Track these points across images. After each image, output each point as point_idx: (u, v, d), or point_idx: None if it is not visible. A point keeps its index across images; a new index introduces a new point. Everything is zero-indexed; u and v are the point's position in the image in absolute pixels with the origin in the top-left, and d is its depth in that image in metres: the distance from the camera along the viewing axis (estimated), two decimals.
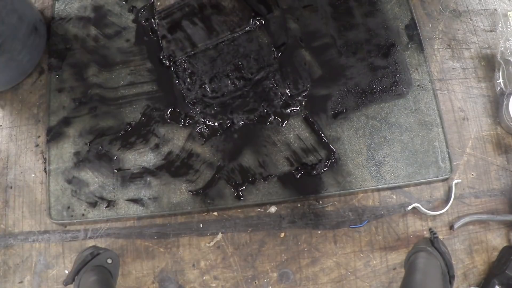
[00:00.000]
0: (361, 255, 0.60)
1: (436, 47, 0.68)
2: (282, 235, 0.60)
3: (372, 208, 0.61)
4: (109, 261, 0.53)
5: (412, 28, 0.67)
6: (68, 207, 0.60)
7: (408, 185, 0.62)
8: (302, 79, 0.65)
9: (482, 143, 0.64)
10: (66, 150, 0.62)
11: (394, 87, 0.64)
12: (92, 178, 0.61)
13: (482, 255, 0.60)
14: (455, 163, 0.63)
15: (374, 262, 0.60)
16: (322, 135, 0.62)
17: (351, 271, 0.59)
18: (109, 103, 0.64)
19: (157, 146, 0.62)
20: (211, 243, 0.60)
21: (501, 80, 0.65)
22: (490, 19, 0.70)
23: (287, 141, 0.62)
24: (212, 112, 0.63)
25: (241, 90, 0.64)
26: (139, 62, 0.66)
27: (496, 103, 0.65)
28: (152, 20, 0.67)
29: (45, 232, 0.61)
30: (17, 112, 0.66)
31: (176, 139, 0.63)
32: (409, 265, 0.52)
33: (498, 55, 0.65)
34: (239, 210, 0.61)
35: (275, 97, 0.64)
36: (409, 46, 0.66)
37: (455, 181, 0.61)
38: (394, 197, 0.62)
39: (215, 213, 0.61)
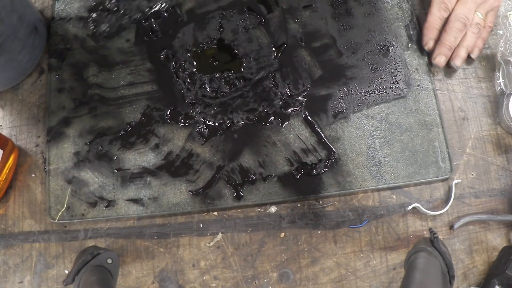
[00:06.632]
0: (361, 255, 0.60)
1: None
2: (282, 235, 0.60)
3: (372, 208, 0.61)
4: (109, 261, 0.53)
5: (412, 28, 0.67)
6: (68, 207, 0.60)
7: (408, 185, 0.62)
8: (302, 79, 0.65)
9: (482, 143, 0.64)
10: (66, 150, 0.63)
11: (394, 87, 0.64)
12: (92, 178, 0.61)
13: (482, 255, 0.60)
14: (455, 163, 0.63)
15: (374, 262, 0.60)
16: (322, 135, 0.62)
17: (351, 271, 0.59)
18: (109, 103, 0.64)
19: (157, 146, 0.62)
20: (211, 243, 0.60)
21: (501, 80, 0.65)
22: None
23: (287, 141, 0.62)
24: (212, 112, 0.63)
25: (241, 90, 0.64)
26: (139, 62, 0.66)
27: (496, 103, 0.65)
28: (152, 20, 0.67)
29: (45, 232, 0.61)
30: (17, 112, 0.66)
31: (176, 139, 0.63)
32: (409, 265, 0.52)
33: (498, 55, 0.65)
34: (239, 210, 0.61)
35: (275, 97, 0.64)
36: (409, 46, 0.66)
37: (455, 181, 0.61)
38: (394, 197, 0.62)
39: (215, 213, 0.61)
